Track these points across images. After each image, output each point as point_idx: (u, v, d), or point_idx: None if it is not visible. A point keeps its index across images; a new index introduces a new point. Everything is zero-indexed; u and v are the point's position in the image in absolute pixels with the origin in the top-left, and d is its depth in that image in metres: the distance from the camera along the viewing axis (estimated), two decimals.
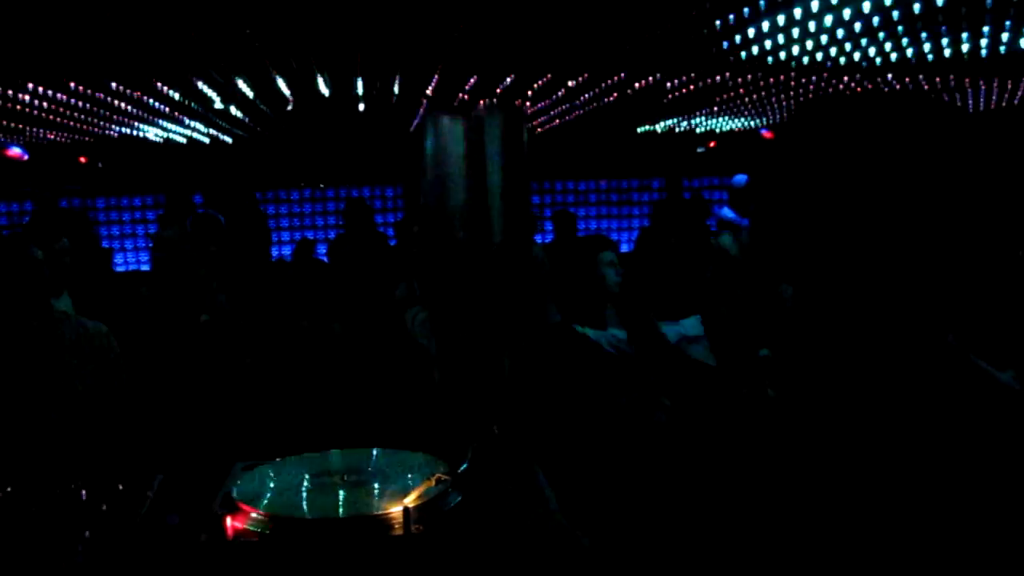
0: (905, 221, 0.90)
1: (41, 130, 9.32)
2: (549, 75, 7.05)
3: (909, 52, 6.43)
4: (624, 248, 12.18)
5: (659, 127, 11.24)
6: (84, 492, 1.78)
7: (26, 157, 10.57)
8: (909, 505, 0.85)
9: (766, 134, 11.05)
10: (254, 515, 1.70)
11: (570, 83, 7.43)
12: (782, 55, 6.46)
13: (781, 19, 5.28)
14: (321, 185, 11.92)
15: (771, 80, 7.60)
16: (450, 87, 7.56)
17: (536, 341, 2.76)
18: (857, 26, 5.48)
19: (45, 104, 7.36)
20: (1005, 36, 5.90)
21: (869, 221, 0.90)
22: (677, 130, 11.56)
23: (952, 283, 0.92)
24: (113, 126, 9.12)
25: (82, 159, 11.30)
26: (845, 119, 0.96)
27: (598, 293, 3.66)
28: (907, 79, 7.71)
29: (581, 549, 1.32)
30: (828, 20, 5.28)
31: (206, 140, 10.84)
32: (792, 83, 7.79)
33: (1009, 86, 8.48)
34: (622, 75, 7.12)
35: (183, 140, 10.71)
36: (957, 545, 0.82)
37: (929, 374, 0.91)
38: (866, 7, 4.97)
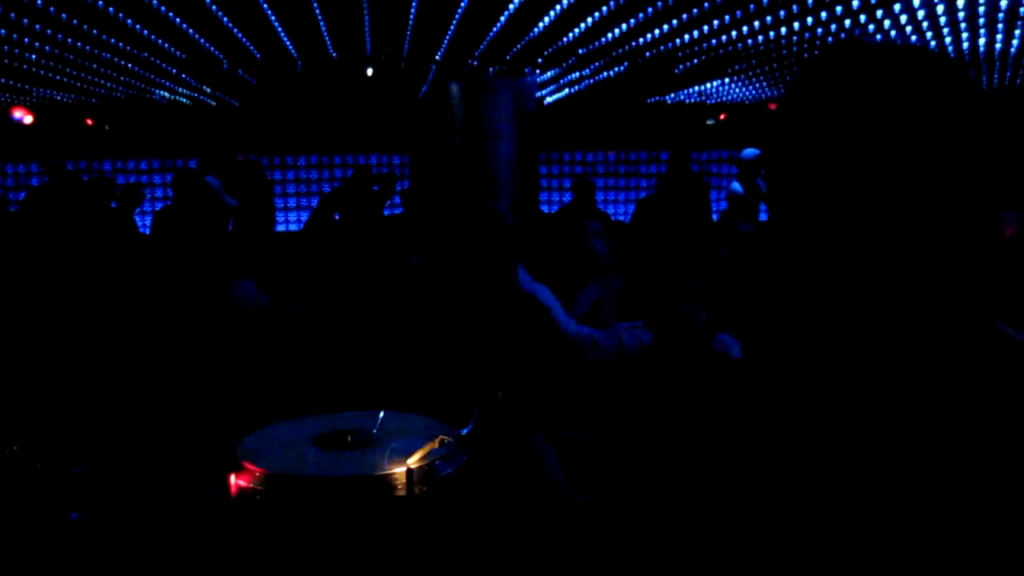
0: (920, 183, 0.87)
1: (47, 91, 9.27)
2: (560, 41, 6.98)
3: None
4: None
5: (668, 98, 11.14)
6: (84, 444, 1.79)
7: (29, 120, 10.53)
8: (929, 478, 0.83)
9: (774, 106, 10.95)
10: (259, 474, 1.71)
11: (580, 50, 7.35)
12: (796, 24, 6.38)
13: None
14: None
15: (784, 51, 7.52)
16: (459, 53, 7.49)
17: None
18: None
19: (51, 63, 7.32)
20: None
21: (883, 184, 0.88)
22: (687, 102, 11.46)
23: (972, 246, 0.90)
24: (120, 87, 9.07)
25: (88, 121, 11.25)
26: (856, 78, 0.93)
27: (586, 263, 3.66)
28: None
29: (576, 507, 1.32)
30: None
31: (212, 103, 10.79)
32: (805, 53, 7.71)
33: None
34: (634, 43, 7.05)
35: (189, 103, 10.66)
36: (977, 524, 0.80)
37: (951, 340, 0.89)
38: None
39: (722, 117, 11.87)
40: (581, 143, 12.17)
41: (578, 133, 11.92)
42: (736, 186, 6.92)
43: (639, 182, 12.59)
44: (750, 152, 6.87)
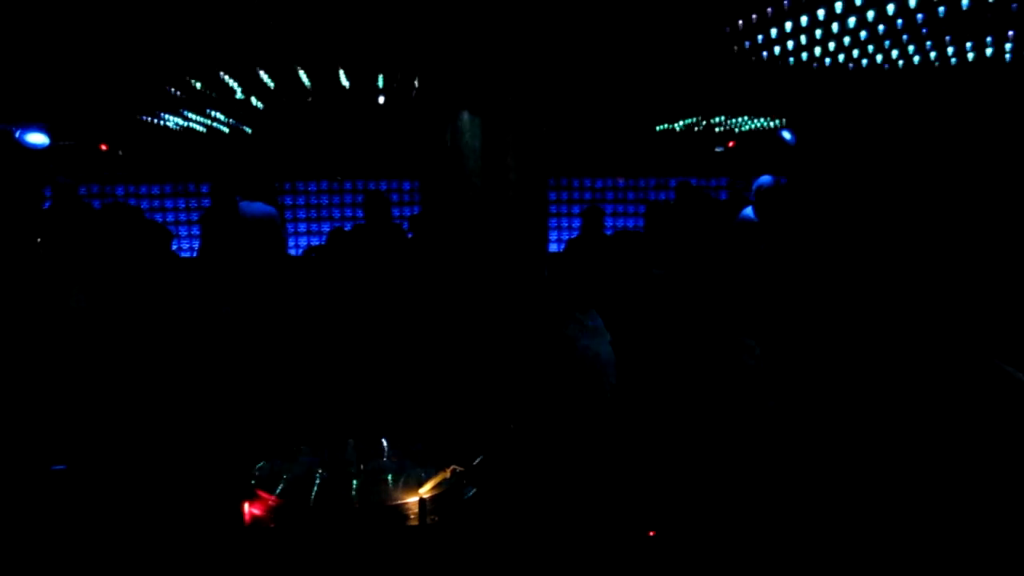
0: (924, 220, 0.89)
1: (62, 116, 9.38)
2: (569, 71, 7.05)
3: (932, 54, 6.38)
4: None
5: (678, 126, 11.20)
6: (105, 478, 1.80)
7: (43, 143, 10.62)
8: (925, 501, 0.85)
9: (785, 135, 10.99)
10: (272, 503, 1.72)
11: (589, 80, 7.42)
12: (804, 56, 6.42)
13: (804, 20, 5.25)
14: (339, 177, 12.00)
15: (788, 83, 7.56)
16: (470, 82, 7.56)
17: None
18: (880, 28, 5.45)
19: (65, 89, 7.41)
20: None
21: (890, 220, 0.90)
22: (696, 129, 11.52)
23: (975, 285, 0.92)
24: (134, 114, 9.18)
25: (103, 146, 11.37)
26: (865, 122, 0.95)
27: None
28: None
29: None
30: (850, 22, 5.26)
31: (225, 129, 10.90)
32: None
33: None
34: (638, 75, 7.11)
35: (203, 129, 10.77)
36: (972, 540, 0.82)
37: (952, 377, 0.91)
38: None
39: (731, 145, 11.93)
40: (591, 169, 12.24)
41: (587, 159, 11.99)
42: (748, 212, 6.92)
43: None
44: (765, 180, 6.87)
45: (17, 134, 10.15)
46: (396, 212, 11.79)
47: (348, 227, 11.77)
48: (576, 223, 12.04)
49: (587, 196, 12.31)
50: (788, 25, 5.38)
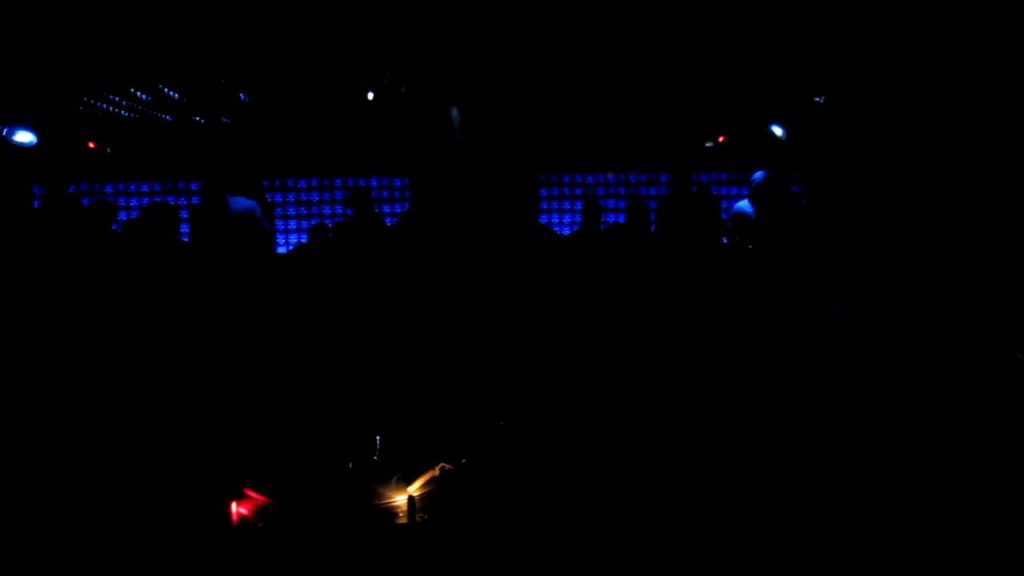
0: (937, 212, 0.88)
1: (49, 114, 9.33)
2: (556, 67, 7.03)
3: None
4: None
5: (667, 120, 11.20)
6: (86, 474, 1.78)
7: (32, 141, 10.54)
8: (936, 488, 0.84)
9: (776, 129, 10.97)
10: (260, 502, 1.71)
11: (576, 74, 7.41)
12: None
13: None
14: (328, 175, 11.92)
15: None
16: (458, 77, 7.53)
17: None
18: None
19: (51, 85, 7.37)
20: None
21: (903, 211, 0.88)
22: (685, 123, 11.52)
23: (989, 276, 0.91)
24: (122, 112, 9.13)
25: (91, 144, 11.29)
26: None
27: None
28: None
29: None
30: None
31: (214, 127, 10.84)
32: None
33: None
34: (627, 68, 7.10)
35: (191, 126, 10.72)
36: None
37: (969, 366, 0.91)
38: None
39: (721, 139, 11.92)
40: (581, 165, 12.22)
41: (577, 155, 11.97)
42: (745, 205, 6.88)
43: None
44: (760, 175, 6.85)
45: (5, 132, 10.09)
46: (387, 209, 11.74)
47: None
48: (567, 218, 12.03)
49: (577, 192, 12.29)
50: None
